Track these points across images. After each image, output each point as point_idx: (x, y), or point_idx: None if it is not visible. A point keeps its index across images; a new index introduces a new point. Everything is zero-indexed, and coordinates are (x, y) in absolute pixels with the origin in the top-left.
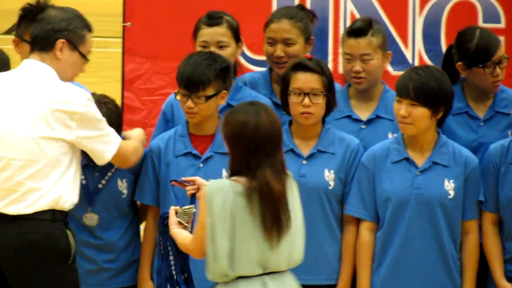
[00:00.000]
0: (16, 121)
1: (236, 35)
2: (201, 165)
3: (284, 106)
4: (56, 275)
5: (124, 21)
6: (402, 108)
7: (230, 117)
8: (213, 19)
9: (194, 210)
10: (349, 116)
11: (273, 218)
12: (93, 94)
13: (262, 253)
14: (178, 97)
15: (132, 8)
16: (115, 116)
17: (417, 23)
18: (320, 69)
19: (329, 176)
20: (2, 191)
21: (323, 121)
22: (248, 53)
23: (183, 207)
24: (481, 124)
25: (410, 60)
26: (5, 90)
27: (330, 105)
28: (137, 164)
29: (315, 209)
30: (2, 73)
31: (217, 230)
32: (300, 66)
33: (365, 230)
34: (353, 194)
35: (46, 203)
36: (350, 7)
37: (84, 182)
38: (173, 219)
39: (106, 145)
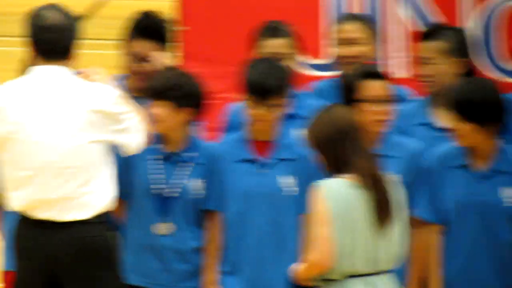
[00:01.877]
0: (61, 129)
1: (296, 46)
2: (261, 171)
3: None
4: (112, 276)
5: (180, 25)
6: None
7: (314, 124)
8: (275, 31)
9: None
10: (428, 124)
11: (381, 206)
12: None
13: (373, 248)
14: (244, 103)
15: (190, 12)
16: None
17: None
18: (386, 75)
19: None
20: (56, 199)
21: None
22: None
23: None
24: None
25: None
26: (39, 98)
27: (395, 111)
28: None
29: None
30: (23, 80)
31: (340, 229)
32: (369, 74)
33: (434, 234)
34: (420, 198)
35: (100, 206)
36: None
37: None
38: (296, 270)
39: (141, 132)
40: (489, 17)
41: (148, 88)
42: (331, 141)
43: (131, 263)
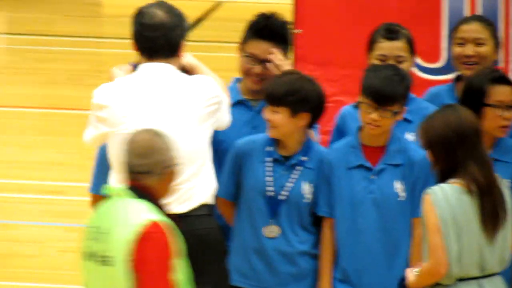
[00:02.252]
0: (166, 120)
1: (412, 49)
2: (373, 177)
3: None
4: (222, 267)
5: (294, 28)
6: None
7: (429, 123)
8: (392, 33)
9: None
10: None
11: (490, 213)
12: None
13: (481, 252)
14: (362, 107)
15: (303, 15)
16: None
17: None
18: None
19: None
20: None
21: None
22: (418, 60)
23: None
24: None
25: None
26: (147, 92)
27: None
28: None
29: None
30: (131, 77)
31: (448, 237)
32: (500, 79)
33: None
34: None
35: (206, 197)
36: None
37: None
38: (411, 278)
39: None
40: None
41: (264, 92)
42: (446, 143)
43: (236, 264)
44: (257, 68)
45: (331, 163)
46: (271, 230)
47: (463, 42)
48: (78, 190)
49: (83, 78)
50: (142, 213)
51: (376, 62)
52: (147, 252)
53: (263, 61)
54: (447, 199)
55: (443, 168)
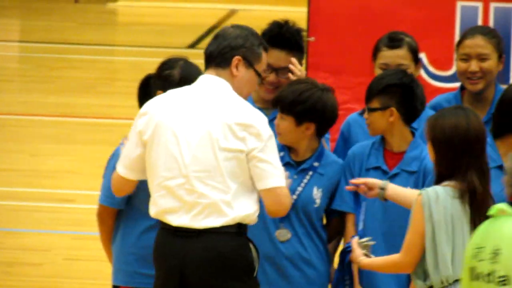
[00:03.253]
0: (196, 134)
1: (416, 57)
2: (387, 181)
3: (501, 127)
4: (248, 285)
5: (308, 36)
6: None
7: (439, 120)
8: (394, 41)
9: (373, 242)
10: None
11: (481, 222)
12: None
13: None
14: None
15: (316, 23)
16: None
17: None
18: None
19: None
20: (187, 204)
21: None
22: (431, 69)
23: (362, 240)
24: None
25: None
26: (184, 104)
27: None
28: None
29: None
30: (182, 88)
31: (439, 237)
32: None
33: None
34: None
35: (235, 217)
36: None
37: None
38: (358, 252)
39: (272, 176)
40: None
41: (275, 98)
42: (451, 147)
43: None
44: (271, 77)
45: (341, 169)
46: (283, 234)
47: (467, 58)
48: (89, 199)
49: (96, 86)
50: None
51: (379, 71)
52: None
53: (277, 70)
54: (439, 201)
55: (443, 169)
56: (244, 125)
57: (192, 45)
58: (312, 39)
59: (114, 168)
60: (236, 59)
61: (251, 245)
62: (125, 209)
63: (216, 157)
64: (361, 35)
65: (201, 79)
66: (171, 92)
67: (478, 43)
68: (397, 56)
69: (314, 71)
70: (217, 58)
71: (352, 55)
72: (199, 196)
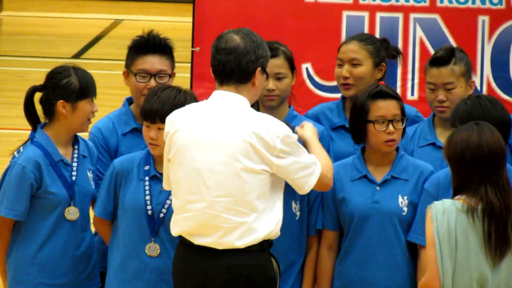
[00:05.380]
0: (219, 157)
1: (292, 65)
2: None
3: (356, 133)
4: None
5: (193, 46)
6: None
7: (454, 136)
8: (271, 51)
9: None
10: (433, 144)
11: (497, 237)
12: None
13: (482, 273)
14: None
15: (201, 33)
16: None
17: (486, 50)
18: (396, 94)
19: (402, 202)
20: (210, 227)
21: (397, 147)
22: (317, 79)
23: None
24: None
25: (478, 87)
26: (207, 124)
27: (404, 131)
28: None
29: (389, 235)
30: (203, 106)
31: (443, 250)
32: (379, 94)
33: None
34: (417, 221)
35: (258, 237)
36: (419, 33)
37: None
38: None
39: (306, 177)
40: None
41: (145, 112)
42: (462, 162)
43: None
44: (152, 83)
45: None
46: (153, 249)
47: (341, 64)
48: None
49: None
50: None
51: None
52: None
53: (154, 75)
54: (445, 214)
55: (457, 184)
56: (267, 144)
57: (77, 55)
58: (197, 49)
59: (16, 179)
60: (258, 71)
61: (273, 260)
62: (24, 220)
63: (240, 180)
64: None
65: (221, 98)
66: (191, 111)
67: (351, 48)
68: (275, 66)
69: (200, 81)
70: (238, 75)
71: None
72: (222, 220)
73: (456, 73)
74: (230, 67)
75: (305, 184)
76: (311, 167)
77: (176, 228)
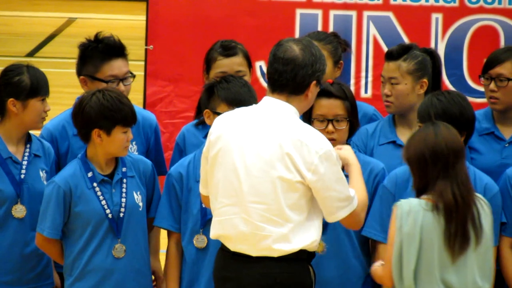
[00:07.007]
0: (257, 163)
1: (249, 63)
2: None
3: None
4: None
5: (146, 44)
6: None
7: (411, 140)
8: (229, 49)
9: None
10: (393, 142)
11: (455, 232)
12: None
13: (444, 270)
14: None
15: (155, 31)
16: None
17: (439, 47)
18: (342, 94)
19: None
20: (243, 234)
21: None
22: None
23: None
24: (506, 145)
25: None
26: (250, 129)
27: (353, 129)
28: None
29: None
30: (250, 110)
31: (405, 249)
32: (323, 92)
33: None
34: (372, 216)
35: (293, 249)
36: (373, 31)
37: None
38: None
39: (340, 208)
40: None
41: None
42: (421, 160)
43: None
44: (121, 87)
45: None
46: (119, 250)
47: None
48: None
49: None
50: None
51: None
52: None
53: (122, 79)
54: (410, 214)
55: (418, 184)
56: (304, 157)
57: (31, 54)
58: (150, 47)
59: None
60: (312, 84)
61: (310, 268)
62: None
63: (275, 189)
64: (200, 43)
65: (270, 105)
66: (239, 114)
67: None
68: (234, 64)
69: (153, 79)
70: (293, 87)
71: (191, 64)
72: (255, 228)
73: (402, 70)
74: (286, 78)
75: (333, 214)
76: (346, 201)
77: (213, 230)
